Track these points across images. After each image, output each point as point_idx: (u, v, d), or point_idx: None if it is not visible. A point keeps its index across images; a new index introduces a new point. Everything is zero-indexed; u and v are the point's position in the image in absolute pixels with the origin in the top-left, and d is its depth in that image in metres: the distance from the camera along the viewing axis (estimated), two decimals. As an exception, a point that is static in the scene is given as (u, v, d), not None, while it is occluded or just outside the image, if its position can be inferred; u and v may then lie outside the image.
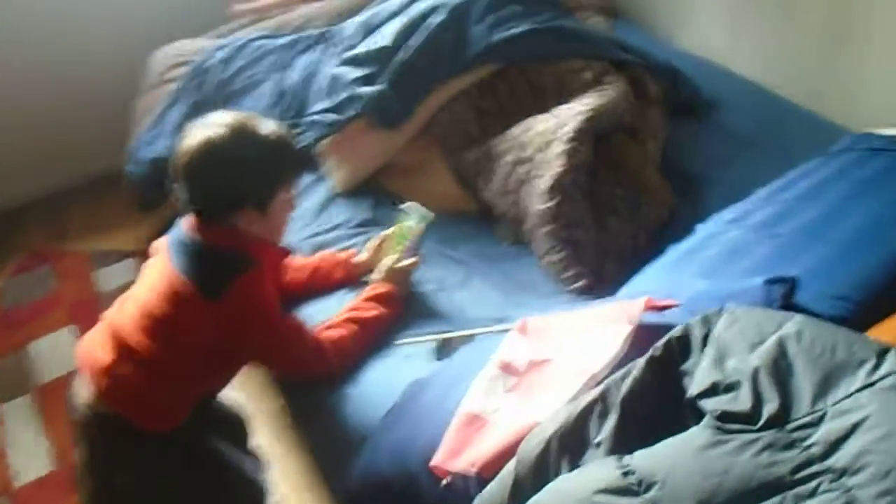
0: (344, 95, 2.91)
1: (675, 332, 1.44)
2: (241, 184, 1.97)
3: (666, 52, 3.30)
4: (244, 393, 2.89)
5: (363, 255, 2.47)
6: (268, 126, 2.00)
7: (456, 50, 2.90)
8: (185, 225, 2.05)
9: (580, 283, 2.44)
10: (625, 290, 2.14)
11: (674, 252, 2.18)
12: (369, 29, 3.09)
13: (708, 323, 1.44)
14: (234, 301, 1.94)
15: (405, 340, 2.22)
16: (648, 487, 1.20)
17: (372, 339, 2.23)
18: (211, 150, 1.93)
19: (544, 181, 2.50)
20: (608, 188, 2.61)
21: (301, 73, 3.23)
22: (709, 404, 1.28)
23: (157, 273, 2.04)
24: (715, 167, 2.80)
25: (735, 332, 1.37)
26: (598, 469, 1.27)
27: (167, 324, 1.97)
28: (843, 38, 2.90)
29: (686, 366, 1.40)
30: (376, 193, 2.90)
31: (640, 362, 1.43)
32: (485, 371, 1.77)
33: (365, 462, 1.94)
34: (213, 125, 1.96)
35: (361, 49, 2.98)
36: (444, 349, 2.19)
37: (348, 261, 2.48)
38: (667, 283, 2.03)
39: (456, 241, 2.70)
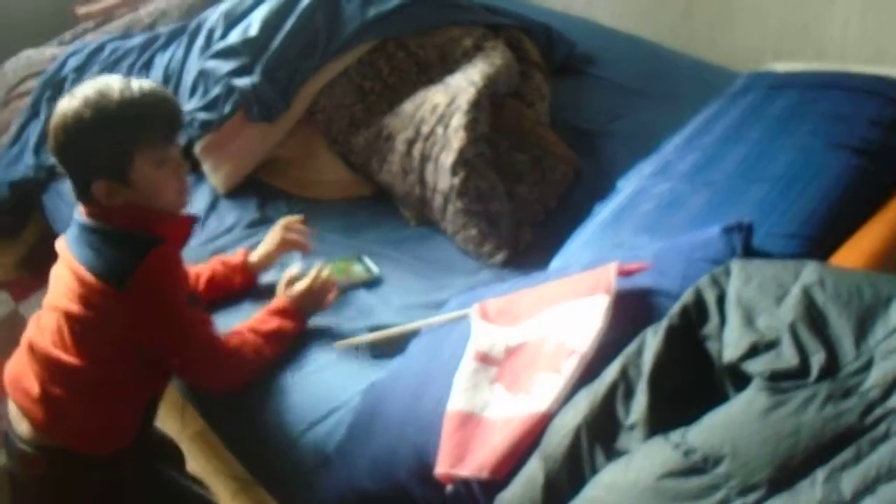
0: (217, 91, 2.76)
1: (687, 298, 1.39)
2: (84, 153, 1.77)
3: (526, 10, 3.27)
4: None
5: (258, 253, 2.31)
6: (127, 87, 1.77)
7: (330, 32, 2.78)
8: (77, 212, 1.87)
9: (499, 256, 2.37)
10: (562, 256, 2.09)
11: (604, 212, 2.13)
12: (234, 19, 2.93)
13: (718, 283, 1.39)
14: (139, 286, 1.77)
15: (345, 342, 2.10)
16: (717, 462, 1.14)
17: (273, 352, 2.07)
18: (60, 125, 1.74)
19: (448, 157, 2.41)
20: (509, 155, 2.56)
21: (163, 72, 3.06)
22: (754, 366, 1.24)
23: (63, 274, 1.86)
24: (606, 120, 2.80)
25: (754, 288, 1.33)
26: (653, 453, 1.20)
27: (84, 327, 1.81)
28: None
29: (706, 330, 1.35)
30: (262, 191, 2.77)
31: (656, 333, 1.37)
32: (462, 365, 1.67)
33: (339, 479, 1.81)
34: (71, 97, 1.77)
35: (229, 41, 2.83)
36: (383, 347, 2.08)
37: (244, 263, 2.31)
38: (609, 245, 1.98)
39: (358, 229, 2.59)
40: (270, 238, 2.33)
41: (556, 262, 2.09)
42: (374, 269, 2.39)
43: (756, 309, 1.31)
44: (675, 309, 1.38)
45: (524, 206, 2.48)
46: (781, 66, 2.45)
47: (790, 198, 1.89)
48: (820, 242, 1.79)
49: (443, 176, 2.42)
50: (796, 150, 2.01)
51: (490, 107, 2.54)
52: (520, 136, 2.61)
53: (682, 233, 1.86)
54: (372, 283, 2.36)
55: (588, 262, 1.84)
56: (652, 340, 1.36)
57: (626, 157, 2.39)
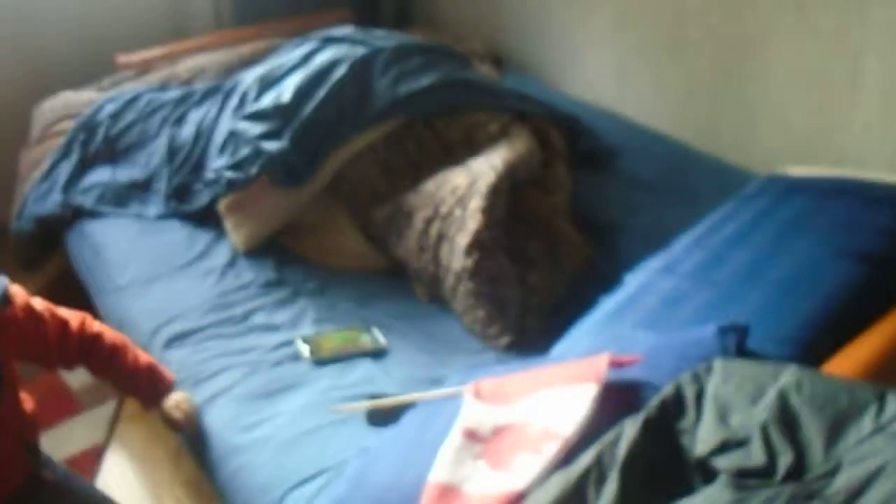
0: (245, 152, 2.82)
1: (666, 392, 1.41)
2: None
3: (555, 99, 3.33)
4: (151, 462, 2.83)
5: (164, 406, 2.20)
6: None
7: (360, 105, 2.85)
8: None
9: (504, 340, 2.40)
10: (562, 345, 2.11)
11: (608, 304, 2.16)
12: (268, 83, 3.00)
13: (699, 380, 1.41)
14: None
15: (342, 406, 2.14)
16: (677, 555, 1.16)
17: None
18: None
19: (464, 238, 2.46)
20: (524, 241, 2.59)
21: (194, 129, 3.14)
22: (723, 462, 1.25)
23: None
24: (623, 215, 2.83)
25: (732, 387, 1.35)
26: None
27: None
28: (733, 78, 2.97)
29: (682, 424, 1.37)
30: (280, 253, 2.82)
31: (634, 424, 1.39)
32: (449, 440, 1.70)
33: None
34: None
35: (262, 104, 2.90)
36: (379, 415, 2.11)
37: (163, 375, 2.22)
38: (608, 337, 2.00)
39: (370, 300, 2.64)
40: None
41: (556, 350, 2.11)
42: (382, 340, 2.42)
43: (731, 407, 1.33)
44: (654, 401, 1.40)
45: (534, 292, 2.50)
46: (797, 171, 2.49)
47: (790, 302, 1.92)
48: (815, 348, 1.80)
49: (456, 256, 2.46)
50: (801, 256, 2.04)
51: (509, 192, 2.58)
52: (536, 224, 2.64)
53: (680, 330, 1.88)
54: (377, 354, 2.39)
55: (585, 352, 1.86)
56: (629, 430, 1.38)
57: (639, 253, 2.40)
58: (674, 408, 1.39)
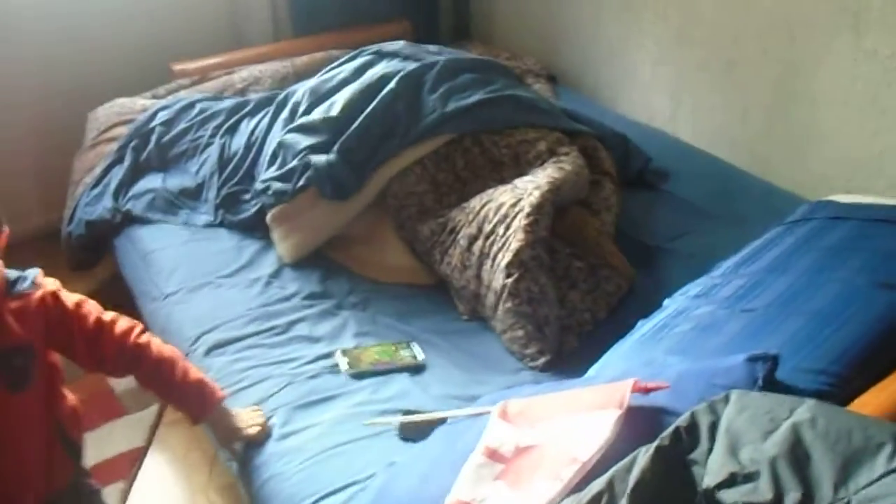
0: (293, 163, 2.86)
1: (681, 421, 1.40)
2: None
3: (609, 118, 3.33)
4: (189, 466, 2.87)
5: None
6: None
7: (409, 120, 2.87)
8: None
9: (542, 360, 2.40)
10: (597, 367, 2.11)
11: (644, 328, 2.15)
12: (319, 96, 3.03)
13: (714, 410, 1.40)
14: None
15: (374, 420, 2.15)
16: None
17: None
18: None
19: (505, 256, 2.47)
20: (567, 261, 2.58)
21: (246, 139, 3.19)
22: (728, 496, 1.24)
23: None
24: (669, 237, 2.82)
25: (746, 419, 1.34)
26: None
27: None
28: (786, 101, 2.94)
29: (694, 455, 1.36)
30: (326, 265, 2.85)
31: (647, 451, 1.38)
32: (471, 458, 1.71)
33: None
34: None
35: (312, 116, 2.93)
36: (411, 430, 2.12)
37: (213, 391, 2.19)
38: (641, 361, 2.00)
39: (411, 316, 2.64)
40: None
41: (590, 372, 2.11)
42: (420, 356, 2.43)
43: (742, 440, 1.31)
44: (669, 430, 1.40)
45: (574, 313, 2.50)
46: (844, 198, 2.45)
47: (825, 333, 1.88)
48: (848, 382, 1.77)
49: (498, 275, 2.47)
50: (840, 285, 2.00)
51: (553, 212, 2.58)
52: (580, 244, 2.64)
53: (712, 358, 1.86)
54: (415, 369, 2.40)
55: (618, 376, 1.86)
56: (642, 457, 1.38)
57: (682, 277, 2.39)
58: (688, 437, 1.38)
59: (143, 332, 2.05)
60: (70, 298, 1.94)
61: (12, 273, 1.88)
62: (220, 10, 4.09)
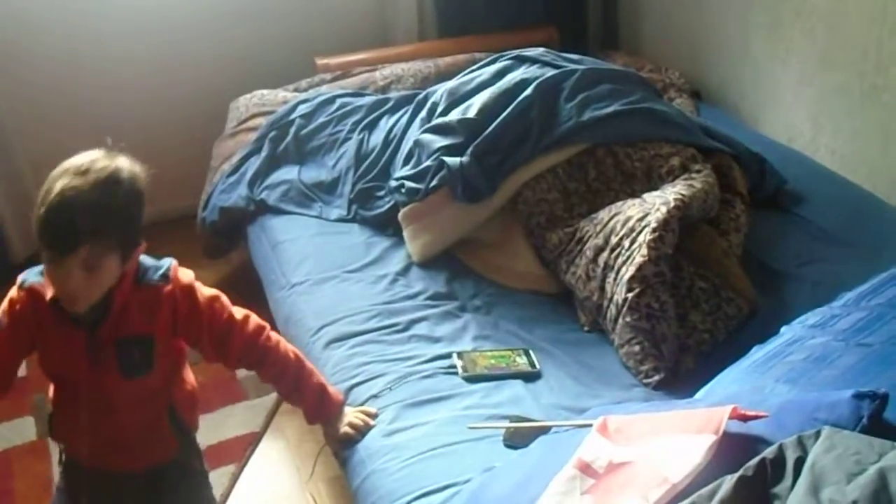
0: (428, 163, 2.92)
1: (768, 453, 1.40)
2: None
3: (748, 136, 3.28)
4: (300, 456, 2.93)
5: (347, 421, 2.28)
6: None
7: (544, 127, 2.89)
8: None
9: (656, 377, 2.40)
10: (707, 389, 2.10)
11: (758, 354, 2.13)
12: (457, 97, 3.08)
13: (803, 446, 1.40)
14: None
15: (479, 424, 2.19)
16: None
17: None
18: None
19: (628, 270, 2.47)
20: (690, 280, 2.58)
21: (384, 136, 3.26)
22: (804, 536, 1.24)
23: None
24: (797, 263, 2.78)
25: (832, 459, 1.33)
26: None
27: None
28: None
29: (777, 489, 1.35)
30: (453, 267, 2.89)
31: (730, 480, 1.39)
32: (563, 470, 1.73)
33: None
34: None
35: (449, 117, 2.98)
36: (515, 436, 2.15)
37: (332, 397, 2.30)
38: (749, 387, 1.98)
39: (533, 323, 2.67)
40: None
41: (699, 395, 2.11)
42: (537, 365, 2.45)
43: (825, 480, 1.30)
44: (754, 461, 1.40)
45: (693, 333, 2.49)
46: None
47: (945, 374, 1.84)
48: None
49: (620, 288, 2.48)
50: (965, 329, 1.95)
51: (680, 229, 2.57)
52: (705, 264, 2.62)
53: (821, 390, 1.84)
54: (529, 377, 2.42)
55: (723, 400, 1.85)
56: (725, 485, 1.38)
57: (806, 304, 2.35)
58: (773, 470, 1.38)
59: (271, 333, 2.11)
60: (204, 294, 1.99)
61: (147, 261, 1.93)
62: (368, 7, 4.19)
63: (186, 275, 1.98)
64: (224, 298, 2.04)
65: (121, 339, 1.89)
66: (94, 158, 1.76)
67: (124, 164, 1.80)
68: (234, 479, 2.87)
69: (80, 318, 1.85)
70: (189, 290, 1.95)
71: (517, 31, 4.00)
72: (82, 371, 1.90)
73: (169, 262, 1.96)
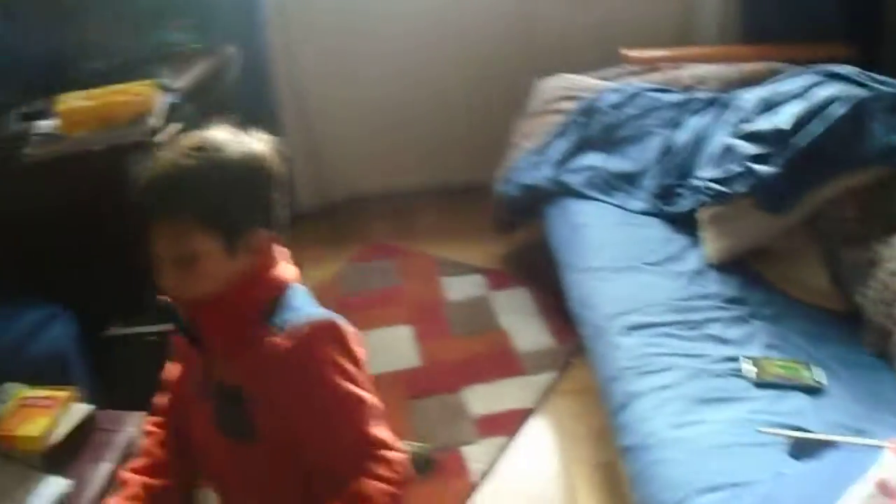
0: (735, 169, 2.97)
1: None
2: None
3: None
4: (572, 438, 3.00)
5: None
6: None
7: (852, 145, 2.89)
8: None
9: (943, 414, 2.38)
10: None
11: None
12: (768, 106, 3.13)
13: None
14: None
15: (768, 429, 2.26)
16: None
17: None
18: None
19: (916, 301, 2.46)
20: None
21: (691, 135, 3.33)
22: None
23: None
24: None
25: None
26: None
27: None
28: None
29: None
30: (746, 273, 2.95)
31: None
32: (860, 487, 1.81)
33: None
34: None
35: (761, 126, 3.03)
36: (800, 447, 2.21)
37: None
38: None
39: (819, 339, 2.69)
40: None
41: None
42: (823, 380, 2.49)
43: None
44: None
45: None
46: None
47: None
48: None
49: (906, 317, 2.48)
50: None
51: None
52: None
53: None
54: (813, 391, 2.47)
55: None
56: None
57: None
58: None
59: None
60: (335, 363, 1.54)
61: (296, 299, 1.60)
62: (675, 4, 4.27)
63: (321, 328, 1.56)
64: (363, 395, 1.56)
65: (219, 383, 1.62)
66: (211, 136, 1.55)
67: (245, 147, 1.56)
68: (500, 450, 2.96)
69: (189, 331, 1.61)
70: (309, 355, 1.53)
71: (814, 44, 3.95)
72: (195, 414, 1.69)
73: (314, 313, 1.58)
